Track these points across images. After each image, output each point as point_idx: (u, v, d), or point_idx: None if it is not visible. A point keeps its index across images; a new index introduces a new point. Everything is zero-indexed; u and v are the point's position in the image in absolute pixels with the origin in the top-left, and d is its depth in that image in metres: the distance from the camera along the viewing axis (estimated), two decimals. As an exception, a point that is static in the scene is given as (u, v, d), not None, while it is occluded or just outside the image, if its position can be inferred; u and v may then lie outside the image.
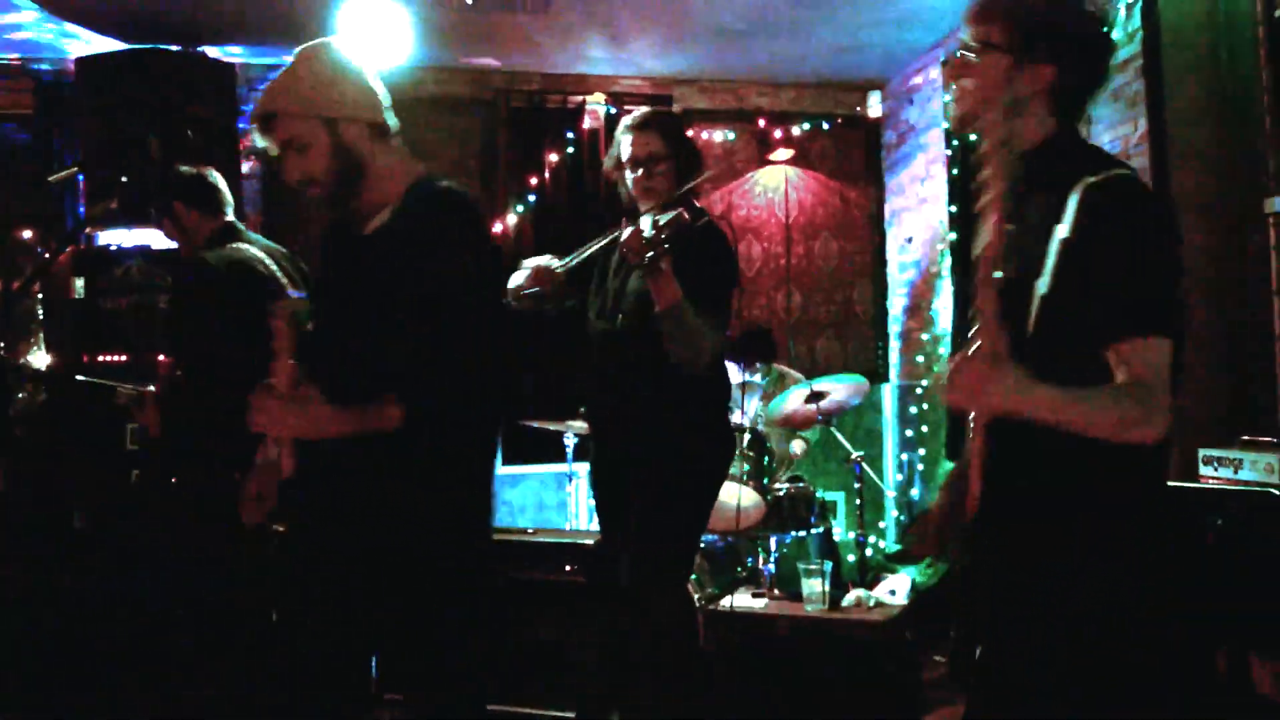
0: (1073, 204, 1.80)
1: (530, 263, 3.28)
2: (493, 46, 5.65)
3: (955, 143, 5.43)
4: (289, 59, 2.36)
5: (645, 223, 2.90)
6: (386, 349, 2.25)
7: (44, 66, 5.59)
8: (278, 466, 2.33)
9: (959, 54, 1.97)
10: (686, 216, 2.89)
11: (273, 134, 2.33)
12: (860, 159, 6.36)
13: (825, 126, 6.24)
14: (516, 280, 3.25)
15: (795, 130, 6.21)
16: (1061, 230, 1.80)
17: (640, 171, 3.19)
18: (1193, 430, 3.58)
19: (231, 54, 5.56)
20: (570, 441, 5.12)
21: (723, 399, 3.37)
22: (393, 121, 2.43)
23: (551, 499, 6.05)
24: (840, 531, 5.63)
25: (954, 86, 2.02)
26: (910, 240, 6.07)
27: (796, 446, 5.32)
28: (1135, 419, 1.72)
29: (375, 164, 2.38)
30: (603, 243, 3.23)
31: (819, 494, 4.88)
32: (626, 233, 2.93)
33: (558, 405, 4.94)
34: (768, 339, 5.53)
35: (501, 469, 6.09)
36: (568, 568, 4.19)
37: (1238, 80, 4.01)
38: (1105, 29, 2.00)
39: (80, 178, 3.93)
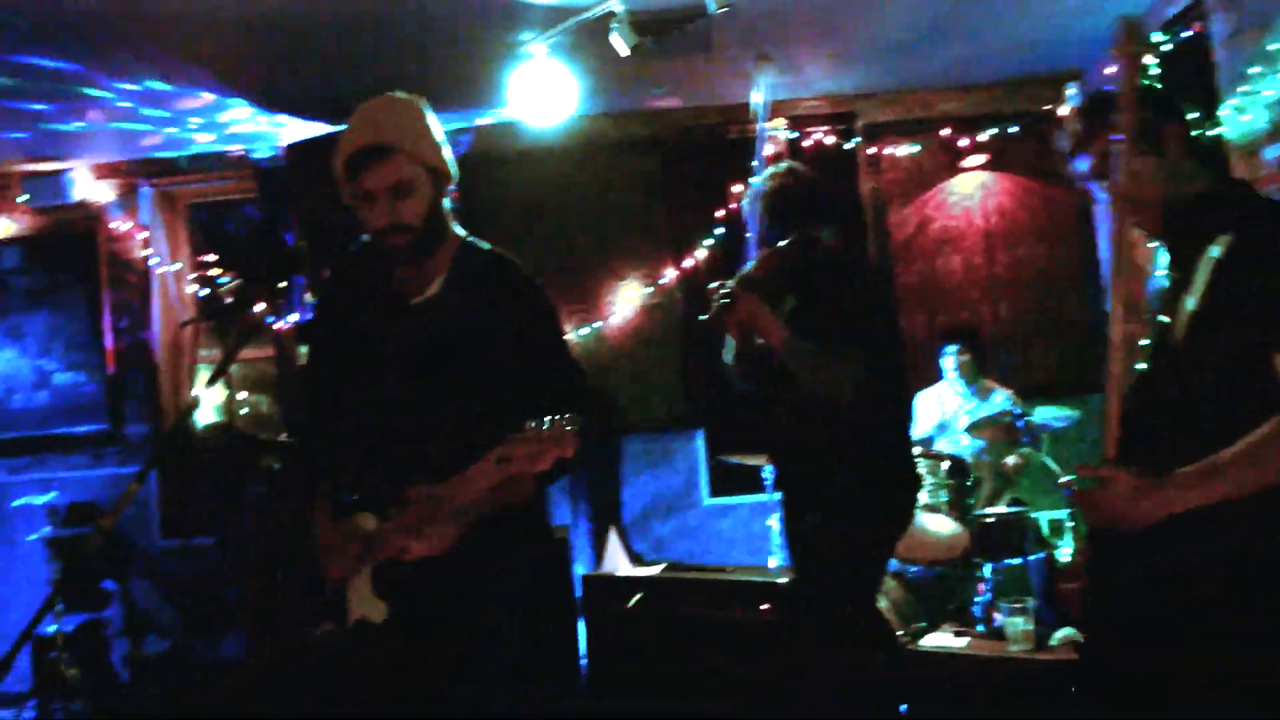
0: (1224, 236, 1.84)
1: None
2: (666, 87, 5.71)
3: (1161, 130, 5.03)
4: (398, 99, 2.34)
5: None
6: (488, 419, 2.20)
7: (262, 155, 6.09)
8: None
9: None
10: (769, 257, 2.88)
11: (379, 170, 2.23)
12: (1061, 157, 5.98)
13: (1014, 130, 5.91)
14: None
15: (988, 133, 5.93)
16: (1213, 250, 1.84)
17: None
18: None
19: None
20: (768, 475, 5.10)
21: (891, 434, 3.23)
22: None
23: (760, 527, 6.01)
24: (1070, 554, 5.31)
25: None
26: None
27: (1011, 460, 5.08)
28: None
29: (448, 226, 2.40)
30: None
31: (1040, 517, 4.65)
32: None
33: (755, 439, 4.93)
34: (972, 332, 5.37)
35: (710, 501, 6.12)
36: (763, 607, 4.18)
37: None
38: None
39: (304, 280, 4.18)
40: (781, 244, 3.08)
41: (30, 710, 5.07)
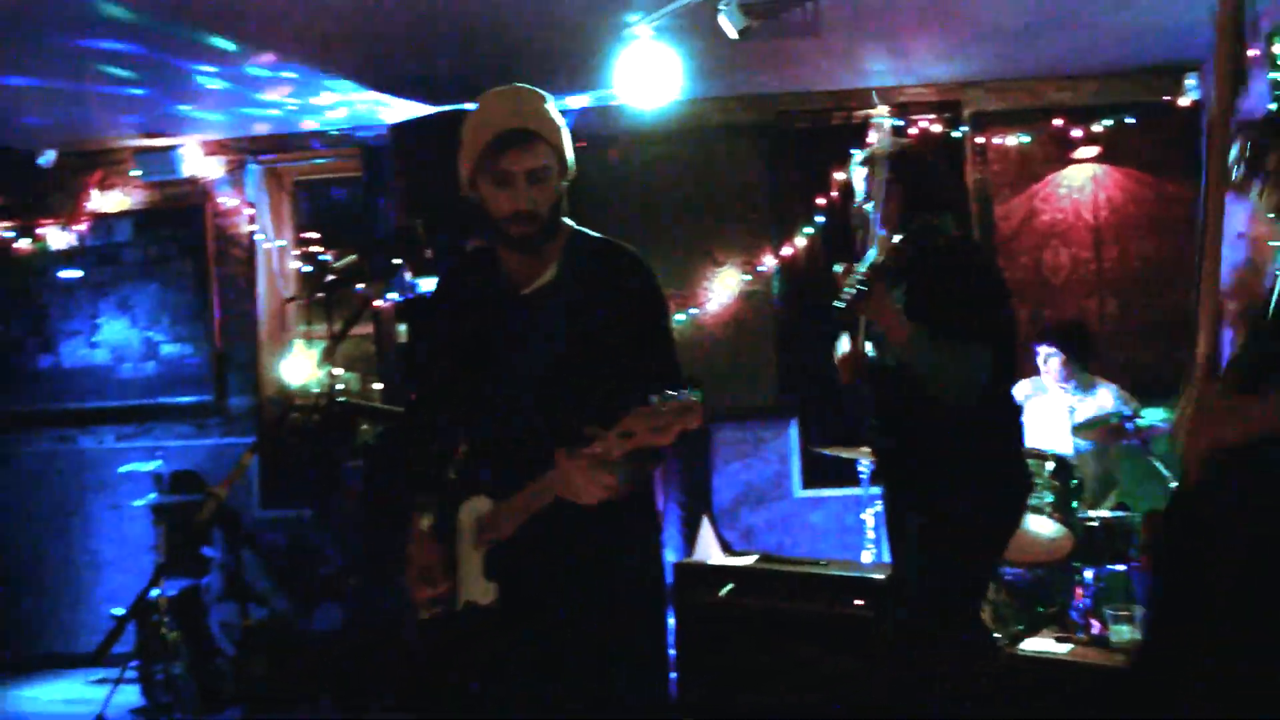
0: None
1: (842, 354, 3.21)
2: (771, 71, 5.64)
3: (1289, 124, 4.82)
4: (535, 90, 2.34)
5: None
6: (600, 403, 2.20)
7: (367, 134, 6.17)
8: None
9: None
10: (900, 247, 2.79)
11: (522, 154, 2.24)
12: (1178, 149, 5.78)
13: (1131, 120, 5.70)
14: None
15: (1101, 125, 5.73)
16: None
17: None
18: None
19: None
20: (864, 467, 5.02)
21: (1003, 435, 3.14)
22: None
23: (853, 521, 5.94)
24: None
25: None
26: (1241, 235, 5.44)
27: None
28: None
29: (562, 217, 2.40)
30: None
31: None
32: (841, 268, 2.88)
33: (851, 431, 4.87)
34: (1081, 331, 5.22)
35: (802, 492, 6.06)
36: (857, 601, 4.12)
37: None
38: None
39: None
40: (906, 231, 2.97)
41: (132, 670, 5.23)
